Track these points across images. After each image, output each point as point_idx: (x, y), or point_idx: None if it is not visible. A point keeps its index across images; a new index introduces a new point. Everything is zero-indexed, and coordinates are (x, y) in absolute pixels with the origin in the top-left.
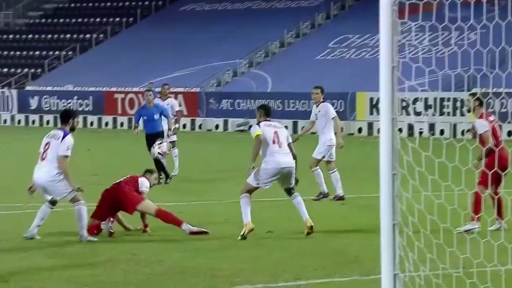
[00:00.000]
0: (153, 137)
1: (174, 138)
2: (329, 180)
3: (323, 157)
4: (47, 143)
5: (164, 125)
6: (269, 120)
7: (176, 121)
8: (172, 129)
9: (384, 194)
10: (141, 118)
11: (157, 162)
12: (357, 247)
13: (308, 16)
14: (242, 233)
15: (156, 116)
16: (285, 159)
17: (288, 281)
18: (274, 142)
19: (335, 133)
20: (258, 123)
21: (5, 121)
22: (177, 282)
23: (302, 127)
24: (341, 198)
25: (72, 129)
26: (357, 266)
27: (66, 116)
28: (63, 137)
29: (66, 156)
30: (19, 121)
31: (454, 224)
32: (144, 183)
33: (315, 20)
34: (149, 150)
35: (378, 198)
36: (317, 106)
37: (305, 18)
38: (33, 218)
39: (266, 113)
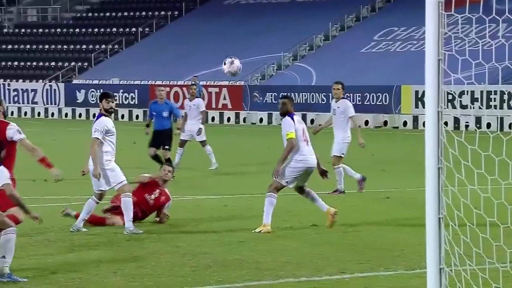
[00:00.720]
0: (159, 133)
1: (203, 137)
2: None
3: (343, 153)
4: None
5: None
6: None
7: (202, 121)
8: (197, 130)
9: (429, 188)
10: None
11: (156, 158)
12: (402, 241)
13: (353, 9)
14: (258, 230)
15: (165, 114)
16: (313, 159)
17: (332, 274)
18: (304, 140)
19: (354, 131)
20: (291, 117)
21: (52, 114)
22: (221, 274)
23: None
24: (342, 192)
25: (106, 111)
26: (402, 260)
27: (99, 98)
28: (96, 120)
29: (95, 138)
30: (66, 114)
31: (500, 219)
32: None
33: (360, 12)
34: (151, 146)
35: (423, 192)
36: (336, 102)
37: (350, 10)
38: (80, 211)
39: (293, 104)
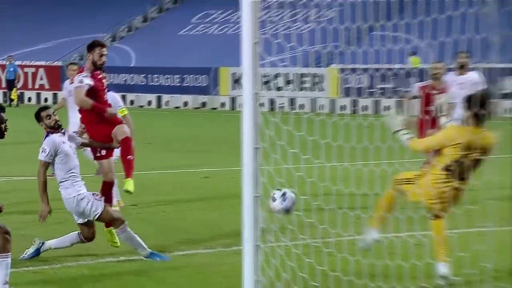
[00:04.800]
0: None
1: None
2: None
3: None
4: None
5: None
6: None
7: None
8: None
9: (247, 167)
10: None
11: None
12: (220, 219)
13: None
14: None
15: None
16: None
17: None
18: None
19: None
20: None
21: None
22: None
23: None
24: None
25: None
26: (221, 238)
27: None
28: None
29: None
30: None
31: (312, 197)
32: None
33: None
34: None
35: (241, 171)
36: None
37: None
38: None
39: None
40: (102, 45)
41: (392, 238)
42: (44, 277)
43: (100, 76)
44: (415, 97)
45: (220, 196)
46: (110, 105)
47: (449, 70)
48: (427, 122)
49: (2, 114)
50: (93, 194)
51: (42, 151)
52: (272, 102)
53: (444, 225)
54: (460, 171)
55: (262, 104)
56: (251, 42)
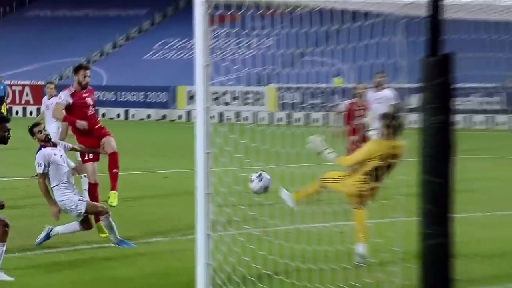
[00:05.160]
0: None
1: None
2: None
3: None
4: None
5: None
6: None
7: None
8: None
9: (199, 169)
10: None
11: None
12: (178, 212)
13: (137, 22)
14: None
15: None
16: None
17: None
18: None
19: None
20: None
21: None
22: (24, 243)
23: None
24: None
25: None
26: (178, 228)
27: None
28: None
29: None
30: None
31: (254, 193)
32: None
33: (142, 26)
34: None
35: (194, 173)
36: (49, 99)
37: (133, 24)
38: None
39: None
40: (86, 68)
41: (320, 228)
42: (28, 262)
43: (84, 95)
44: (341, 112)
45: (177, 193)
46: (93, 119)
47: (369, 88)
48: (352, 133)
49: (6, 124)
50: (78, 196)
51: (38, 166)
52: (221, 115)
53: (363, 215)
54: (376, 174)
55: (212, 117)
56: (203, 65)
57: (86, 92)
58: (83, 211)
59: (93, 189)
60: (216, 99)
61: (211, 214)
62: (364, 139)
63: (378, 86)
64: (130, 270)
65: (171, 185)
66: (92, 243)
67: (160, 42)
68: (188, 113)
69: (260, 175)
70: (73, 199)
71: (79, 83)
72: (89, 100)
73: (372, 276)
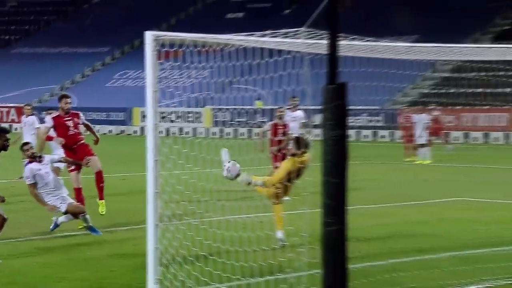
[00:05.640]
0: None
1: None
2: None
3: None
4: None
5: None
6: None
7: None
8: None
9: (149, 173)
10: None
11: None
12: (134, 207)
13: (101, 58)
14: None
15: None
16: None
17: (83, 233)
18: None
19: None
20: None
21: None
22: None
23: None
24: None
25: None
26: (134, 219)
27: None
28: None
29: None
30: None
31: (193, 192)
32: None
33: (105, 60)
34: None
35: (146, 175)
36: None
37: (98, 59)
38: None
39: None
40: (67, 97)
41: (245, 218)
42: (9, 248)
43: (65, 119)
44: (266, 130)
45: (132, 192)
46: (74, 138)
47: (287, 109)
48: (276, 145)
49: (6, 135)
50: (60, 200)
51: (26, 179)
52: (167, 130)
53: (280, 208)
54: (290, 177)
55: (160, 132)
56: (152, 90)
57: (69, 116)
58: (63, 210)
59: (77, 192)
60: (163, 117)
61: (159, 208)
62: (285, 152)
63: (293, 108)
64: (97, 252)
65: (128, 186)
66: (64, 231)
67: (120, 73)
68: (142, 129)
69: (230, 162)
70: (55, 202)
71: (62, 108)
72: (70, 123)
73: (285, 255)
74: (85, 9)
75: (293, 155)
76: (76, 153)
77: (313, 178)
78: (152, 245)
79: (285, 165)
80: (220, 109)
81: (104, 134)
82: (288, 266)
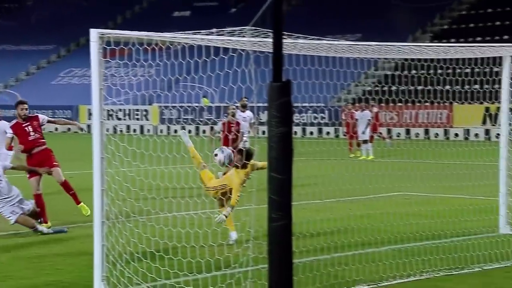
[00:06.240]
0: None
1: None
2: None
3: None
4: None
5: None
6: None
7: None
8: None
9: (96, 170)
10: None
11: None
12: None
13: (46, 56)
14: None
15: None
16: None
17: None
18: None
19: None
20: None
21: None
22: None
23: None
24: None
25: None
26: (82, 217)
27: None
28: None
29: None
30: None
31: (140, 189)
32: None
33: (50, 58)
34: None
35: (92, 173)
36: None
37: (43, 56)
38: None
39: None
40: (23, 103)
41: (192, 215)
42: None
43: (23, 125)
44: (218, 129)
45: (79, 190)
46: (33, 143)
47: (237, 109)
48: (229, 143)
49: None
50: (12, 209)
51: None
52: (114, 128)
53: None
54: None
55: (107, 130)
56: (98, 88)
57: (27, 122)
58: (13, 221)
59: (37, 198)
60: (110, 115)
61: (105, 206)
62: (236, 149)
63: (244, 107)
64: (44, 251)
65: (75, 184)
66: (11, 230)
67: (66, 71)
68: (89, 126)
69: (220, 149)
70: (6, 210)
71: (19, 115)
72: (29, 128)
73: (232, 250)
74: (29, 6)
75: (240, 166)
76: (36, 159)
77: (258, 174)
78: (99, 243)
79: (237, 180)
80: (166, 106)
81: (50, 132)
82: (235, 261)
